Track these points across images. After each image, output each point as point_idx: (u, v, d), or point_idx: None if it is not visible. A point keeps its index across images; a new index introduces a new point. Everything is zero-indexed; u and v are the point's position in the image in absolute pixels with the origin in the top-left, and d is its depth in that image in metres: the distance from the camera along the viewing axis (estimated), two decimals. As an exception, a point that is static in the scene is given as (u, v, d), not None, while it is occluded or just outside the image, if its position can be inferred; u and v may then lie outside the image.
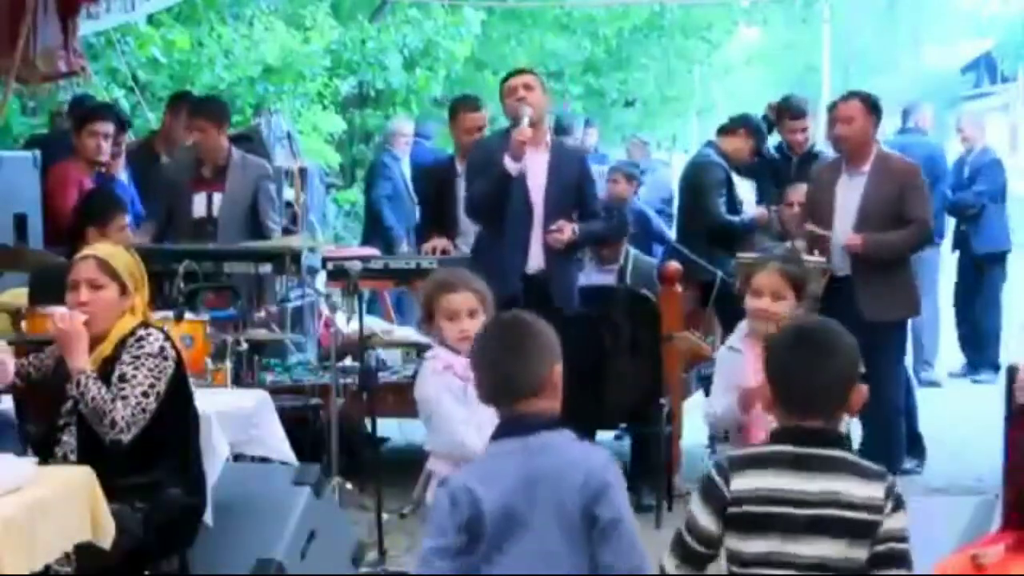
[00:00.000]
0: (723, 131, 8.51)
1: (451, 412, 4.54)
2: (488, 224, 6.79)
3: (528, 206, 6.69)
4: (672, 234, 9.45)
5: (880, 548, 3.11)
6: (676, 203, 9.88)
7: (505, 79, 6.99)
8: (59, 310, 4.52)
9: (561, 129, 11.74)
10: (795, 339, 3.27)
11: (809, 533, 3.08)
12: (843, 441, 3.24)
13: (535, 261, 6.68)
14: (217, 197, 7.61)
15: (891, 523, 3.12)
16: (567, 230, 6.67)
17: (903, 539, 3.13)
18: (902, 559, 3.13)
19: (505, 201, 6.62)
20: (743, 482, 3.14)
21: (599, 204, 7.21)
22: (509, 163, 6.57)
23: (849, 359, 3.20)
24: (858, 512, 3.09)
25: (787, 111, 8.58)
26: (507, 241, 6.67)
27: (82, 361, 4.42)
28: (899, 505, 3.14)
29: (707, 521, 3.17)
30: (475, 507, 3.17)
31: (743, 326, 5.03)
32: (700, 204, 8.23)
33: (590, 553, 3.16)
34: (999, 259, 10.53)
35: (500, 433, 3.32)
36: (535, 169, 6.71)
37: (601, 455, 3.28)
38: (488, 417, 4.31)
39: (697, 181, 8.37)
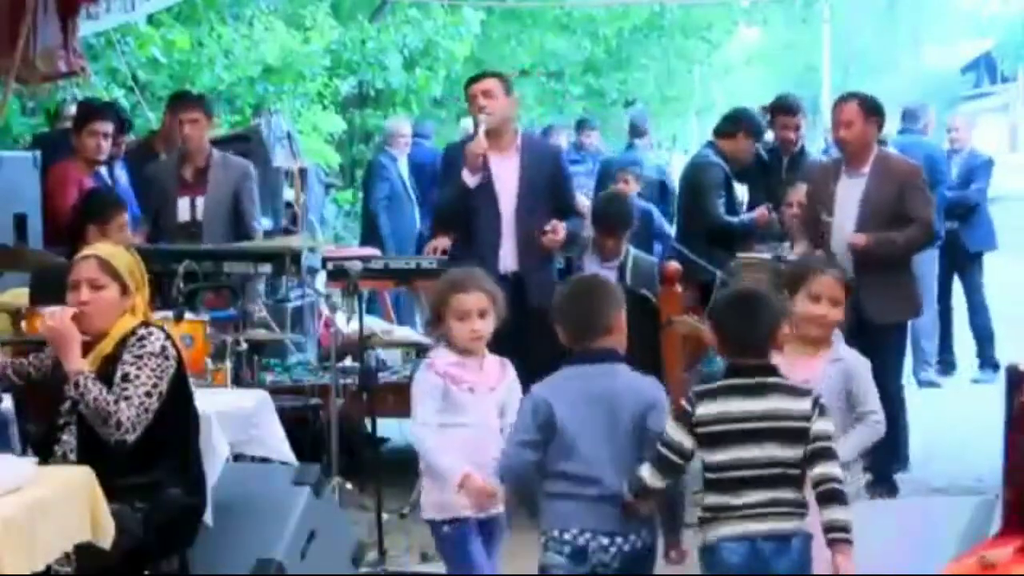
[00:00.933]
0: (721, 134, 8.48)
1: (418, 410, 4.64)
2: (457, 230, 6.85)
3: (496, 211, 6.73)
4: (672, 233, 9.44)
5: (813, 446, 4.04)
6: (676, 203, 9.88)
7: (468, 84, 6.96)
8: (54, 310, 4.50)
9: (634, 129, 11.90)
10: (739, 301, 4.28)
11: (759, 441, 4.02)
12: (776, 370, 4.15)
13: (506, 263, 6.70)
14: (200, 201, 7.58)
15: (818, 426, 4.06)
16: (560, 230, 6.68)
17: (829, 438, 4.08)
18: (831, 453, 4.06)
19: (472, 208, 6.68)
20: (706, 409, 4.05)
21: (575, 201, 7.21)
22: (467, 176, 6.60)
23: (777, 311, 4.25)
24: (794, 421, 4.05)
25: (781, 108, 8.57)
26: (477, 245, 6.70)
27: (77, 362, 4.41)
28: (823, 411, 4.08)
29: (681, 437, 4.05)
30: (549, 414, 4.11)
31: None
32: (699, 204, 8.23)
33: (635, 455, 4.12)
34: (981, 258, 10.58)
35: (573, 361, 4.24)
36: (504, 173, 6.74)
37: (653, 381, 4.31)
38: (479, 420, 4.37)
39: (696, 181, 8.37)
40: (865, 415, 4.82)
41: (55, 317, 4.44)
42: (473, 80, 6.91)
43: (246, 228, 7.60)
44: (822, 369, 4.77)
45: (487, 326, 4.67)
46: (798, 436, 4.03)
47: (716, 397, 4.07)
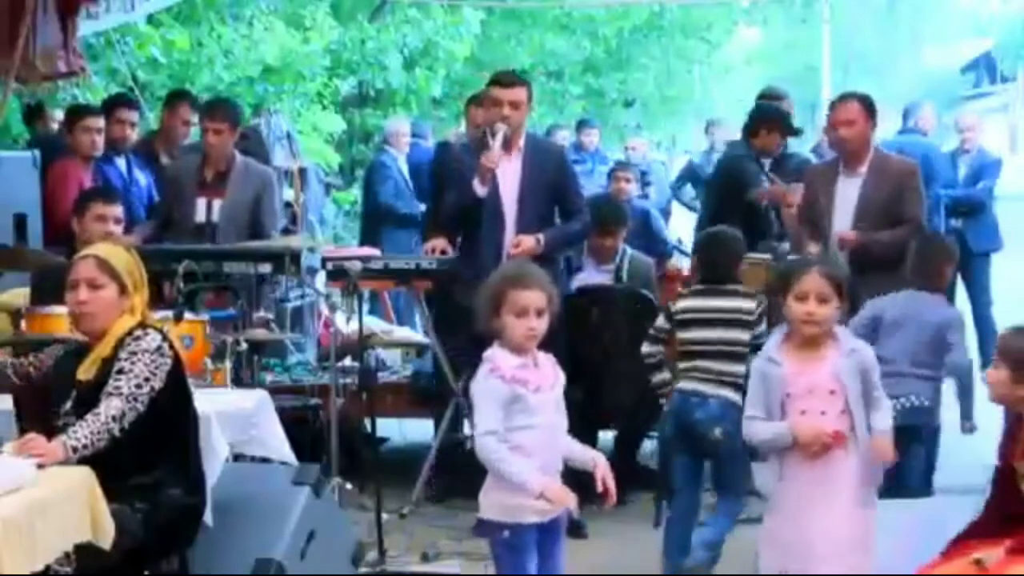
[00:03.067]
0: (747, 131, 8.39)
1: (482, 418, 4.49)
2: (458, 232, 6.88)
3: (499, 212, 6.73)
4: (670, 235, 9.43)
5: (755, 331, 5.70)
6: (703, 198, 9.75)
7: (494, 82, 6.87)
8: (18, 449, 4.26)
9: None
10: (713, 238, 6.13)
11: (719, 326, 5.73)
12: (737, 281, 5.86)
13: None
14: (217, 203, 7.52)
15: (760, 327, 5.68)
16: (525, 245, 6.65)
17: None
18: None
19: (476, 209, 6.69)
20: (682, 304, 5.86)
21: (582, 200, 7.13)
22: (477, 186, 6.61)
23: (740, 249, 6.04)
24: (744, 315, 5.71)
25: (763, 94, 8.50)
26: (481, 247, 6.70)
27: (59, 456, 4.17)
28: (763, 313, 5.72)
29: (663, 323, 5.89)
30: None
31: (777, 335, 4.90)
32: (742, 196, 8.07)
33: None
34: (988, 259, 10.57)
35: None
36: (506, 175, 6.73)
37: None
38: (547, 420, 4.54)
39: (734, 176, 8.20)
40: (880, 399, 4.85)
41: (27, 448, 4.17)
42: (502, 84, 6.81)
43: (263, 236, 7.52)
44: (833, 363, 4.74)
45: (543, 325, 4.54)
46: (747, 325, 5.69)
47: (689, 297, 5.90)
